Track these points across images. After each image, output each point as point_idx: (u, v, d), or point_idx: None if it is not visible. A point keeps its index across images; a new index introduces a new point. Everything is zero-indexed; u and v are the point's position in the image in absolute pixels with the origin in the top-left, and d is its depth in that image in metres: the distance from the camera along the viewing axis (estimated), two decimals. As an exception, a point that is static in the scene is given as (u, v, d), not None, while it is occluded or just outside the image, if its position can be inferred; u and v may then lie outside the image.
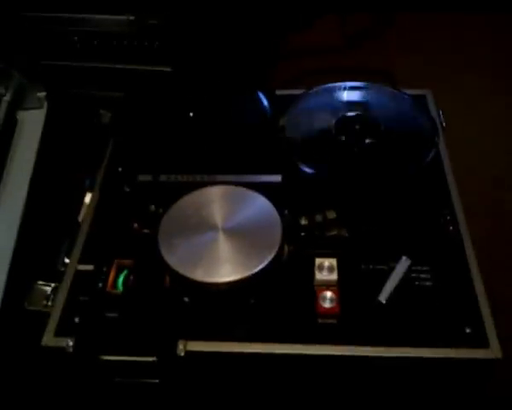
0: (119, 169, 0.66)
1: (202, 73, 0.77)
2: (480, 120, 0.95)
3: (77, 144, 0.79)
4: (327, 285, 0.53)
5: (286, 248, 0.56)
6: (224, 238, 0.54)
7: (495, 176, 0.85)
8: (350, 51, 1.07)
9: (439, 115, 0.70)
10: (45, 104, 0.81)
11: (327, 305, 0.52)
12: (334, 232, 0.58)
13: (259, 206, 0.57)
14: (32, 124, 0.80)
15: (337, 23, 1.12)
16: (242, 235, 0.54)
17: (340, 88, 0.71)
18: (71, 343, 0.50)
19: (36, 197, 0.72)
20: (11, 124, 0.78)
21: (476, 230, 0.58)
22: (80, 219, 0.64)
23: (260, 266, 0.52)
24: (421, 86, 0.75)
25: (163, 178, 0.65)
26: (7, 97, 0.78)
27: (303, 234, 0.58)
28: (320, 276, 0.54)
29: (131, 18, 0.78)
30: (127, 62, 0.81)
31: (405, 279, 0.54)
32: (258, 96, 0.71)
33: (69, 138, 0.80)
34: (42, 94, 0.81)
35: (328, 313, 0.52)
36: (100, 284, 0.55)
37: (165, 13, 0.76)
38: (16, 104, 0.80)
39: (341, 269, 0.54)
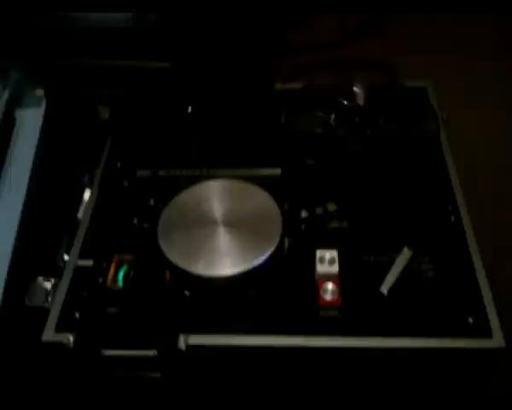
0: (118, 164, 0.66)
1: (202, 68, 0.77)
2: (481, 111, 0.94)
3: (75, 141, 0.79)
4: (328, 277, 0.53)
5: (286, 241, 0.55)
6: (224, 232, 0.54)
7: (497, 166, 0.85)
8: (350, 44, 1.07)
9: (439, 107, 0.70)
10: (44, 102, 0.81)
11: (328, 297, 0.52)
12: (334, 224, 0.58)
13: (259, 199, 0.57)
14: (30, 122, 0.79)
15: (336, 16, 1.12)
16: (242, 228, 0.54)
17: (339, 81, 0.71)
18: (71, 339, 0.50)
19: (35, 195, 0.71)
20: (9, 122, 0.77)
21: (478, 220, 0.58)
22: (79, 216, 0.63)
23: (261, 260, 0.51)
24: (423, 78, 0.75)
25: (162, 172, 0.64)
26: (5, 96, 0.78)
27: (303, 227, 0.58)
28: (321, 268, 0.53)
29: (129, 14, 0.78)
30: (125, 59, 0.80)
31: (407, 270, 0.53)
32: (258, 89, 0.71)
33: (68, 136, 0.79)
34: (40, 92, 0.81)
35: (329, 306, 0.52)
36: (100, 280, 0.55)
37: (163, 8, 0.76)
38: (14, 103, 0.79)
39: (342, 261, 0.54)
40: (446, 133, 0.67)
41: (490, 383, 0.52)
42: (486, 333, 0.49)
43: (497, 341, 0.48)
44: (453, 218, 0.58)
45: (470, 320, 0.50)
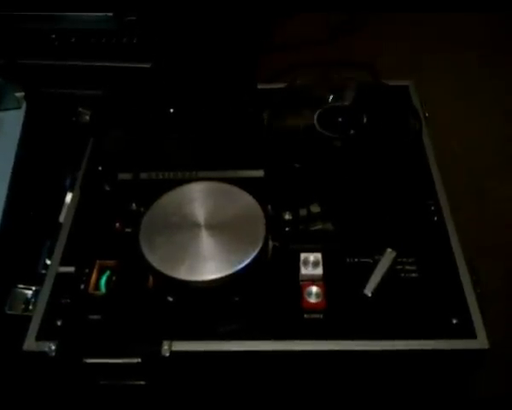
0: (99, 168, 0.65)
1: (183, 68, 0.76)
2: (465, 108, 0.94)
3: (56, 144, 0.78)
4: (312, 280, 0.53)
5: (270, 243, 0.55)
6: (206, 235, 0.53)
7: (480, 164, 0.85)
8: (334, 43, 1.06)
9: (421, 106, 0.70)
10: (24, 104, 0.80)
11: (313, 300, 0.52)
12: (318, 226, 0.58)
13: (242, 201, 0.56)
14: (10, 125, 0.78)
15: (320, 15, 1.12)
16: (225, 231, 0.53)
17: (322, 81, 0.70)
18: (53, 347, 0.49)
19: (15, 199, 0.70)
20: (-11, 125, 0.76)
21: (461, 219, 0.58)
22: (61, 219, 0.62)
23: (244, 263, 0.51)
24: (407, 75, 0.75)
25: (143, 175, 0.64)
26: (-16, 98, 0.77)
27: (287, 229, 0.57)
28: (305, 271, 0.53)
29: (109, 14, 0.77)
30: (106, 60, 0.80)
31: (391, 271, 0.53)
32: (240, 90, 0.70)
33: (48, 138, 0.78)
34: (20, 94, 0.80)
35: (314, 309, 0.51)
36: (82, 286, 0.54)
37: (144, 8, 0.75)
38: (-6, 105, 0.78)
39: (327, 263, 0.53)
40: (428, 132, 0.67)
41: (475, 385, 0.52)
42: (470, 334, 0.49)
43: (481, 342, 0.48)
44: (436, 218, 0.58)
45: (454, 321, 0.50)
